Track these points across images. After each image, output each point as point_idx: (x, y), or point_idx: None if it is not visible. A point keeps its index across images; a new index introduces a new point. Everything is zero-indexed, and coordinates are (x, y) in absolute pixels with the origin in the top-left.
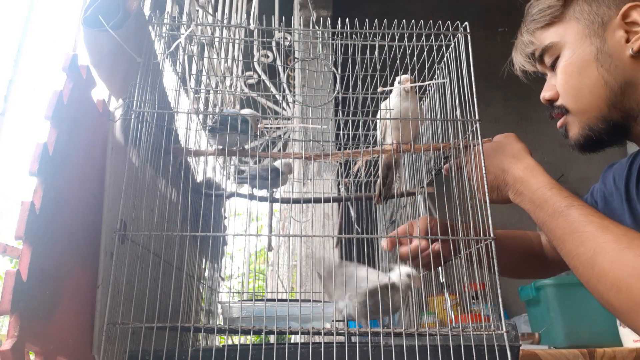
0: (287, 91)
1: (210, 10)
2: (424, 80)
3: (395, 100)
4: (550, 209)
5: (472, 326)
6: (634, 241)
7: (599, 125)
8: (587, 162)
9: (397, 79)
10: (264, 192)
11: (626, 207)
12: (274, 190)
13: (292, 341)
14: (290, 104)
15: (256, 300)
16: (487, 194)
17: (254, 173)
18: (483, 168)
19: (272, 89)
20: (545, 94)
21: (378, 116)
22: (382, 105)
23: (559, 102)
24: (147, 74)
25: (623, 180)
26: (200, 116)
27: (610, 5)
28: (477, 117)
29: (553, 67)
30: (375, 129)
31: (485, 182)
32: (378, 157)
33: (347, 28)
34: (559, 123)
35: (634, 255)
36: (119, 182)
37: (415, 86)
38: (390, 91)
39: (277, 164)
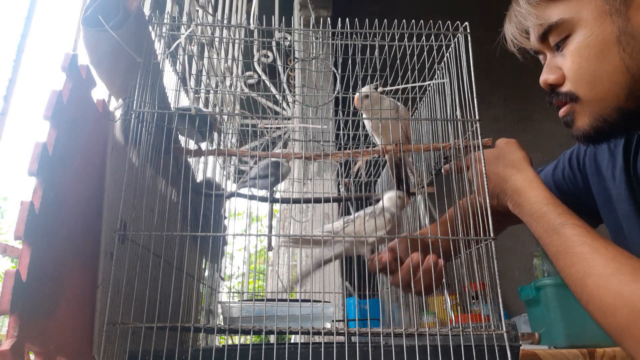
0: (287, 91)
1: (210, 10)
2: (424, 80)
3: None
4: (545, 224)
5: (472, 326)
6: (621, 267)
7: (613, 116)
8: None
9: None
10: (264, 192)
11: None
12: (275, 190)
13: (292, 341)
14: (290, 104)
15: (256, 300)
16: (487, 194)
17: (254, 176)
18: (484, 168)
19: (272, 89)
20: (548, 77)
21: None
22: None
23: (565, 89)
24: (147, 74)
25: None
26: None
27: None
28: (477, 117)
29: (558, 46)
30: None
31: (485, 183)
32: (378, 157)
33: (347, 28)
34: (563, 111)
35: (619, 283)
36: (119, 182)
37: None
38: (391, 91)
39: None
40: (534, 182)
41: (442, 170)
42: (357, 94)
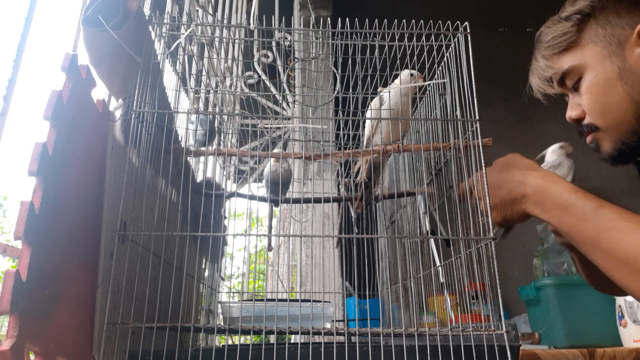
0: (287, 91)
1: (210, 10)
2: (424, 80)
3: (395, 98)
4: (578, 211)
5: (472, 326)
6: None
7: (630, 138)
8: (586, 162)
9: (406, 71)
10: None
11: None
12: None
13: (292, 341)
14: (290, 104)
15: (256, 300)
16: (487, 193)
17: (269, 179)
18: (483, 168)
19: (272, 89)
20: (572, 113)
21: (369, 113)
22: (373, 103)
23: (586, 121)
24: (147, 74)
25: None
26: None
27: (624, 26)
28: (477, 117)
29: (575, 88)
30: (364, 127)
31: (485, 184)
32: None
33: (347, 28)
34: (588, 139)
35: None
36: (119, 182)
37: (418, 85)
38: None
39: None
40: (554, 177)
41: (455, 195)
42: (414, 71)
